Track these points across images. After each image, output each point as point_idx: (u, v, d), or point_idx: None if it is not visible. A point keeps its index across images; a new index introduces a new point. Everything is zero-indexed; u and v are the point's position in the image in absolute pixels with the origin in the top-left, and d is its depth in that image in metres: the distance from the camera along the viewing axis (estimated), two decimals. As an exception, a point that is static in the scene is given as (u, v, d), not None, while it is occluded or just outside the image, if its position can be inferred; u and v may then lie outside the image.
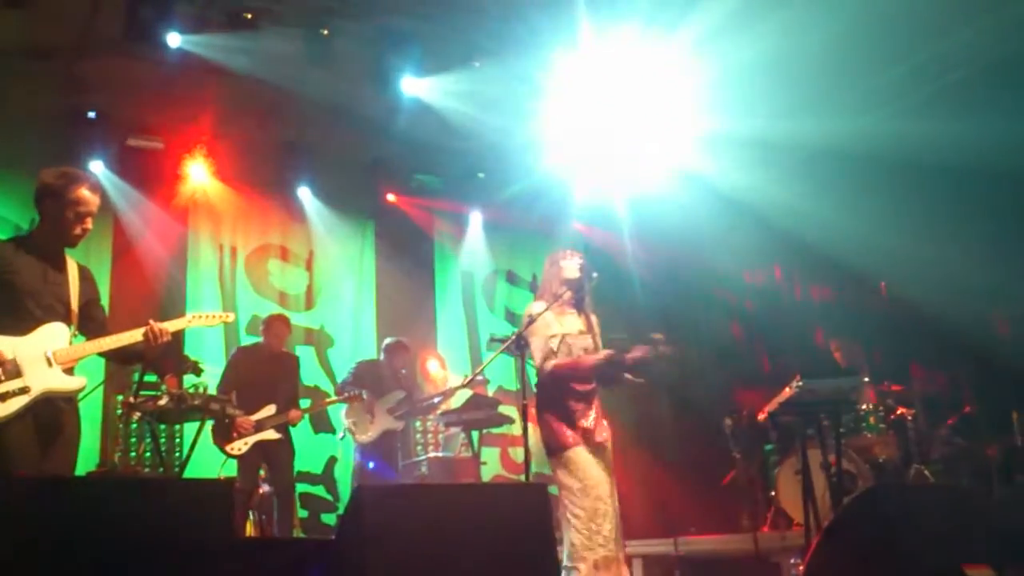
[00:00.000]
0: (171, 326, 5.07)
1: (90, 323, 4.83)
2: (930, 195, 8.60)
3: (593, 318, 6.00)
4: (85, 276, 4.91)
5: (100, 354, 4.80)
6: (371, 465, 8.87)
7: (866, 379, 6.37)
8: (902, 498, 4.16)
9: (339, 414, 9.33)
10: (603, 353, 5.77)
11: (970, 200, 8.49)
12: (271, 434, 7.88)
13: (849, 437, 7.79)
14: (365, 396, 8.77)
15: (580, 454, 5.59)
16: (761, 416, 6.49)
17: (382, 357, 9.56)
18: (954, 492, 5.10)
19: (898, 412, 8.14)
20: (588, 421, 5.71)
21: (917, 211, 8.58)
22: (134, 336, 4.73)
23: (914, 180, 8.61)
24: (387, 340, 9.69)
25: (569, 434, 5.64)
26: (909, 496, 4.38)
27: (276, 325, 8.44)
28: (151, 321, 4.78)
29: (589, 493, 5.48)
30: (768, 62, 8.30)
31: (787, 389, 5.94)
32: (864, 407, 8.02)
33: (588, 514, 5.44)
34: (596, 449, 5.65)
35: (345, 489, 9.87)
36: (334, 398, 8.97)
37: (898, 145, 8.42)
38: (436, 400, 9.67)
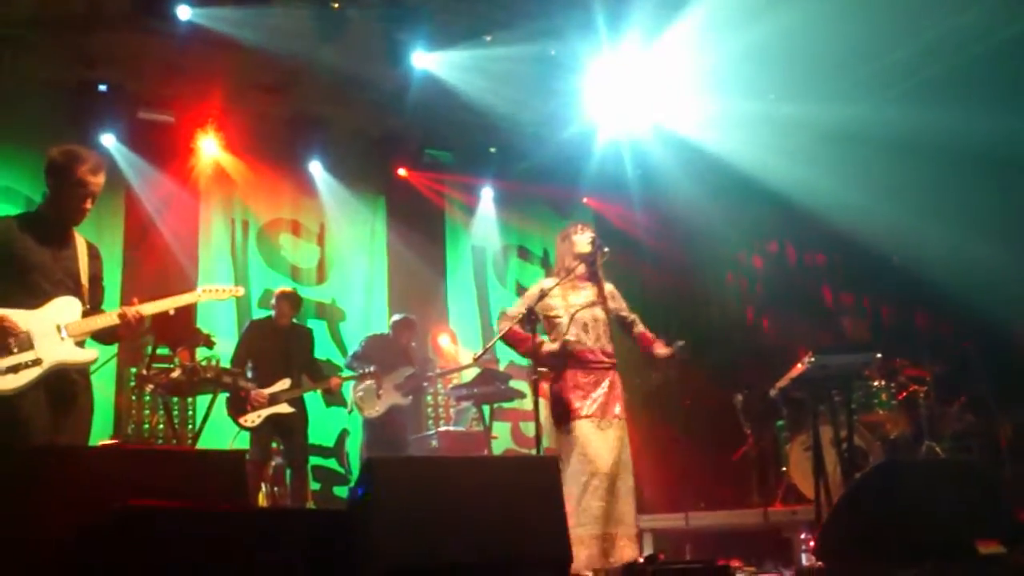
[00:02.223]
0: (182, 300, 5.14)
1: (90, 301, 4.85)
2: (943, 175, 8.56)
3: (608, 286, 6.02)
4: (93, 254, 4.96)
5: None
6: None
7: (878, 355, 6.34)
8: (914, 474, 4.16)
9: (348, 388, 9.35)
10: (556, 345, 5.79)
11: (983, 180, 8.45)
12: (284, 407, 7.89)
13: (860, 413, 7.79)
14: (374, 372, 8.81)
15: (582, 427, 5.60)
16: (772, 392, 6.49)
17: (390, 333, 9.57)
18: (965, 468, 5.10)
19: (910, 389, 8.13)
20: (597, 394, 5.70)
21: (929, 190, 8.54)
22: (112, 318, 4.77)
23: (925, 159, 8.56)
24: (395, 316, 9.71)
25: (576, 406, 5.65)
26: (921, 472, 4.38)
27: (280, 303, 8.38)
28: (134, 302, 4.84)
29: (584, 469, 5.48)
30: (778, 42, 8.26)
31: (798, 364, 5.93)
32: (876, 383, 8.01)
33: (579, 489, 5.45)
34: (604, 424, 5.65)
35: (356, 462, 9.91)
36: (348, 374, 8.96)
37: (906, 125, 8.39)
38: (442, 372, 9.70)
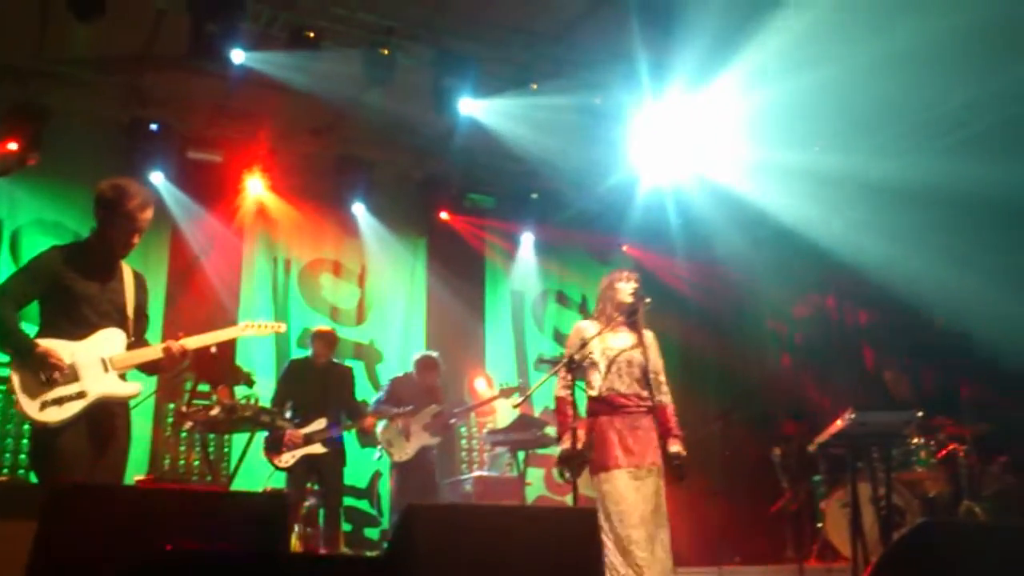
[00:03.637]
0: (225, 335, 5.18)
1: (134, 332, 4.88)
2: (985, 231, 8.50)
3: (648, 334, 5.95)
4: (140, 284, 4.99)
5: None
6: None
7: (919, 413, 6.28)
8: (956, 535, 4.08)
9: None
10: (573, 446, 5.63)
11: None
12: (318, 448, 7.88)
13: (899, 471, 7.69)
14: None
15: (619, 477, 5.51)
16: (811, 447, 6.44)
17: (413, 372, 9.44)
18: (1010, 532, 5.01)
19: (949, 447, 8.02)
20: (635, 443, 5.63)
21: (972, 246, 8.47)
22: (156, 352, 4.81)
23: (969, 215, 8.50)
24: (417, 355, 9.54)
25: (615, 455, 5.57)
26: (963, 533, 4.29)
27: (315, 343, 8.44)
28: (179, 336, 4.89)
29: (623, 520, 5.39)
30: (822, 94, 8.26)
31: (838, 421, 5.88)
32: (915, 441, 7.92)
33: (622, 541, 5.37)
34: (641, 473, 5.56)
35: (387, 504, 9.88)
36: (389, 412, 8.89)
37: (953, 180, 8.33)
38: (469, 407, 9.77)
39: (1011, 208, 8.03)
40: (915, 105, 8.89)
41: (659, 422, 5.79)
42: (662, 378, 5.90)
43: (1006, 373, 8.13)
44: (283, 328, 5.78)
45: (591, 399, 5.79)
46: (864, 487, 6.54)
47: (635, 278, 5.97)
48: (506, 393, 9.64)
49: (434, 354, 9.53)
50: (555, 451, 9.91)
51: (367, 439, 9.53)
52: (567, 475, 5.72)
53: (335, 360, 8.62)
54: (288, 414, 7.93)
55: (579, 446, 5.62)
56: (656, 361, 5.93)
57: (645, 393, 5.77)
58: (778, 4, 7.68)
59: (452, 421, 9.51)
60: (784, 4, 7.66)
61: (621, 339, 5.84)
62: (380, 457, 9.27)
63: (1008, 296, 8.03)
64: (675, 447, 5.72)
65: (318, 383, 8.23)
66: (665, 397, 5.87)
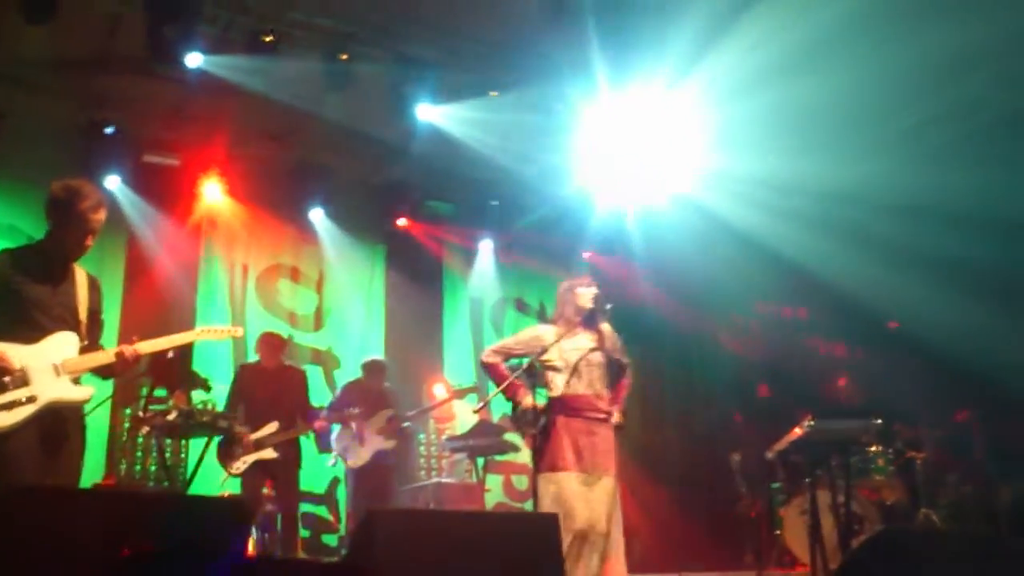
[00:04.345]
0: (180, 339, 5.11)
1: (88, 335, 4.80)
2: (943, 240, 8.60)
3: (605, 327, 5.95)
4: (94, 287, 4.91)
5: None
6: None
7: (878, 421, 6.33)
8: (915, 543, 4.12)
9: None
10: (533, 402, 5.71)
11: (984, 246, 8.49)
12: (269, 452, 7.83)
13: (857, 479, 7.74)
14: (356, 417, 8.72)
15: (566, 480, 5.49)
16: (769, 454, 6.47)
17: (362, 377, 9.39)
18: (967, 540, 5.05)
19: (907, 455, 8.10)
20: (586, 444, 5.60)
21: (929, 255, 8.58)
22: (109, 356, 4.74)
23: (925, 224, 8.61)
24: (365, 359, 9.52)
25: (564, 457, 5.54)
26: (922, 541, 4.33)
27: (260, 348, 8.46)
28: (134, 340, 4.81)
29: (565, 523, 5.21)
30: (782, 106, 8.34)
31: (797, 428, 5.91)
32: (873, 449, 7.99)
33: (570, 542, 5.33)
34: (591, 479, 5.53)
35: (344, 511, 9.80)
36: (342, 414, 8.81)
37: (909, 190, 8.44)
38: (423, 409, 9.77)
39: (968, 217, 8.14)
40: (874, 117, 9.00)
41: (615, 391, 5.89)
42: (626, 362, 6.00)
43: (958, 376, 8.24)
44: (240, 332, 5.75)
45: (551, 399, 5.78)
46: (823, 494, 6.57)
47: (596, 285, 6.00)
48: (459, 394, 9.65)
49: (380, 358, 9.55)
50: (514, 458, 10.01)
51: (324, 443, 9.45)
52: (525, 430, 5.71)
53: (288, 363, 8.56)
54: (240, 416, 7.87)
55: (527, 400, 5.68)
56: (617, 346, 5.98)
57: (605, 393, 5.77)
58: (737, 17, 7.74)
59: (406, 425, 9.41)
60: (742, 17, 7.72)
61: (581, 341, 5.84)
62: (335, 464, 9.20)
63: (960, 298, 8.13)
64: (616, 418, 5.79)
65: (270, 387, 8.18)
66: (627, 378, 6.01)
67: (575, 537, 5.34)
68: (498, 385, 5.82)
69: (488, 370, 5.91)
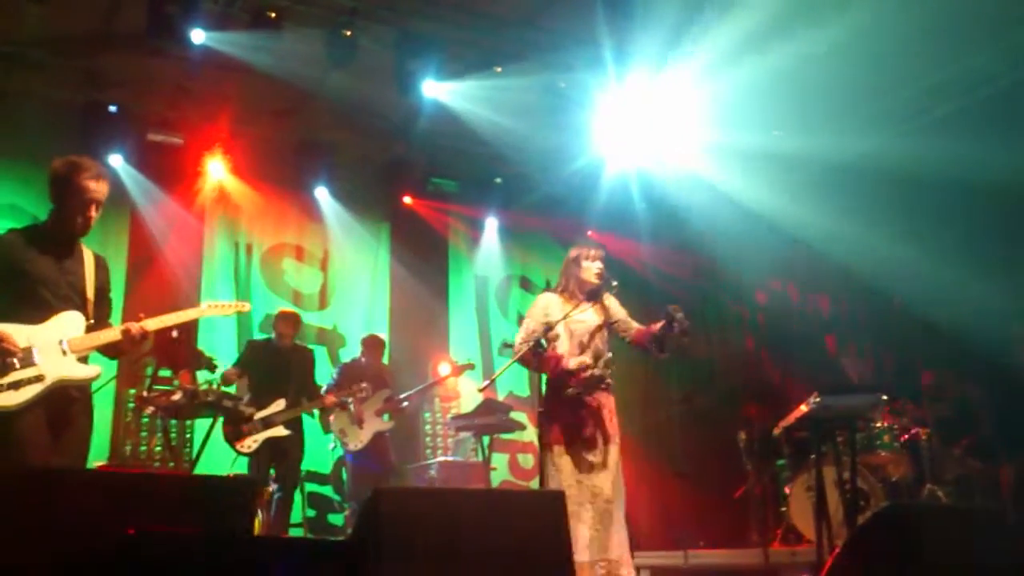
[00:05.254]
0: (187, 315, 5.10)
1: (95, 314, 4.79)
2: (947, 213, 8.57)
3: (609, 300, 5.91)
4: (101, 265, 4.89)
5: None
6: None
7: (884, 397, 6.30)
8: (921, 518, 4.10)
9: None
10: (575, 362, 5.65)
11: (987, 219, 8.45)
12: (280, 430, 7.84)
13: (862, 455, 7.72)
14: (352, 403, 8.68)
15: (561, 456, 5.50)
16: (776, 431, 6.45)
17: (361, 355, 9.41)
18: (973, 515, 5.04)
19: (912, 431, 8.08)
20: (584, 425, 5.57)
21: (933, 228, 8.54)
22: (115, 334, 4.72)
23: (929, 198, 8.57)
24: (364, 335, 9.55)
25: (557, 432, 5.54)
26: (928, 517, 4.32)
27: (280, 324, 8.44)
28: (140, 317, 4.80)
29: (573, 497, 5.28)
30: (786, 78, 8.29)
31: (803, 405, 5.88)
32: (878, 425, 7.97)
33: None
34: (586, 456, 5.51)
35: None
36: (346, 392, 8.77)
37: (912, 163, 8.39)
38: (420, 388, 9.73)
39: (973, 191, 8.09)
40: (878, 89, 8.94)
41: (642, 338, 5.73)
42: (634, 323, 5.88)
43: (963, 351, 8.21)
44: (247, 307, 5.68)
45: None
46: (828, 471, 6.55)
47: (600, 256, 5.95)
48: (458, 371, 9.64)
49: (379, 334, 9.51)
50: (520, 436, 10.01)
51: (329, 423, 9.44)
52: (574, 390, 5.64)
53: (298, 342, 8.56)
54: (245, 397, 7.86)
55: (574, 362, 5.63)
56: (621, 313, 5.92)
57: (607, 368, 5.74)
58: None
59: (404, 404, 9.38)
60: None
61: (586, 315, 5.81)
62: (335, 447, 9.18)
63: (963, 273, 8.09)
64: (657, 325, 5.61)
65: (280, 365, 8.17)
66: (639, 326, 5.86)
67: (578, 507, 5.34)
68: (544, 370, 5.72)
69: (526, 363, 5.79)
